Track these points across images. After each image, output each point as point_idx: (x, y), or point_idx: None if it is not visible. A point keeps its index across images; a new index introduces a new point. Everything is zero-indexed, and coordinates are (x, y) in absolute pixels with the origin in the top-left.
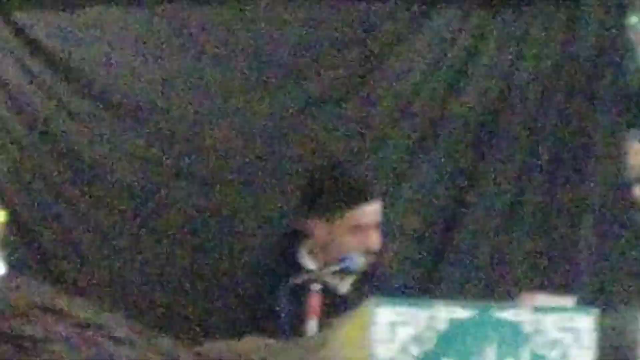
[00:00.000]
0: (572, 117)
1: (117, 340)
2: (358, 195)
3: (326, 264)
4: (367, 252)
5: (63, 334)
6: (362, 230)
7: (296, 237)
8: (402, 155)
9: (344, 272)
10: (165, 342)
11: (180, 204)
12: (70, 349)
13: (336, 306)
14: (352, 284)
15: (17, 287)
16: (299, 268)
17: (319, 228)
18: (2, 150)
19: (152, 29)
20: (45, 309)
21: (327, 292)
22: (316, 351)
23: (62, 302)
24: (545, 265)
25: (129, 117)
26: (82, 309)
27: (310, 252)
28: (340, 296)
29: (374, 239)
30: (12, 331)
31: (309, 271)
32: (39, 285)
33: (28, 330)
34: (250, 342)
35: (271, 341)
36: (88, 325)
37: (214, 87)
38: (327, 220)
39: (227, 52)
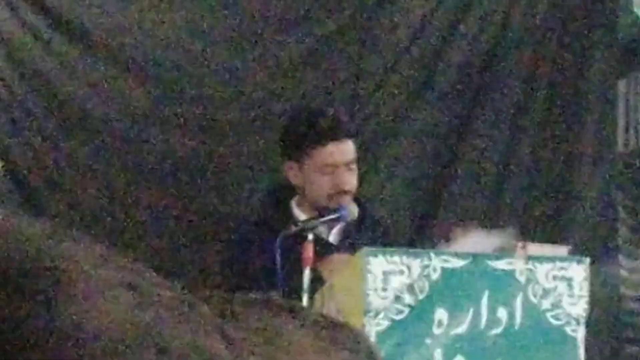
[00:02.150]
0: (565, 66)
1: (163, 306)
2: (325, 134)
3: (320, 214)
4: (341, 192)
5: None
6: (332, 169)
7: (289, 190)
8: (397, 103)
9: (336, 221)
10: (205, 308)
11: (173, 153)
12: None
13: (327, 255)
14: (343, 233)
15: (53, 232)
16: (293, 221)
17: (292, 171)
18: None
19: None
20: (94, 262)
21: (319, 242)
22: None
23: (105, 251)
24: (539, 215)
25: (121, 65)
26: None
27: (299, 205)
28: (331, 245)
29: (346, 179)
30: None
31: (301, 222)
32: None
33: (65, 280)
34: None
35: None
36: (135, 288)
37: (207, 39)
38: (298, 161)
39: (222, 3)
